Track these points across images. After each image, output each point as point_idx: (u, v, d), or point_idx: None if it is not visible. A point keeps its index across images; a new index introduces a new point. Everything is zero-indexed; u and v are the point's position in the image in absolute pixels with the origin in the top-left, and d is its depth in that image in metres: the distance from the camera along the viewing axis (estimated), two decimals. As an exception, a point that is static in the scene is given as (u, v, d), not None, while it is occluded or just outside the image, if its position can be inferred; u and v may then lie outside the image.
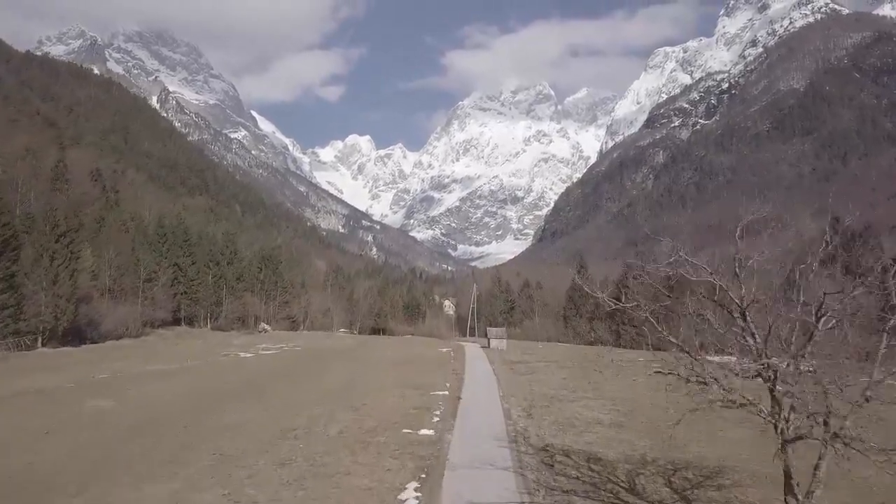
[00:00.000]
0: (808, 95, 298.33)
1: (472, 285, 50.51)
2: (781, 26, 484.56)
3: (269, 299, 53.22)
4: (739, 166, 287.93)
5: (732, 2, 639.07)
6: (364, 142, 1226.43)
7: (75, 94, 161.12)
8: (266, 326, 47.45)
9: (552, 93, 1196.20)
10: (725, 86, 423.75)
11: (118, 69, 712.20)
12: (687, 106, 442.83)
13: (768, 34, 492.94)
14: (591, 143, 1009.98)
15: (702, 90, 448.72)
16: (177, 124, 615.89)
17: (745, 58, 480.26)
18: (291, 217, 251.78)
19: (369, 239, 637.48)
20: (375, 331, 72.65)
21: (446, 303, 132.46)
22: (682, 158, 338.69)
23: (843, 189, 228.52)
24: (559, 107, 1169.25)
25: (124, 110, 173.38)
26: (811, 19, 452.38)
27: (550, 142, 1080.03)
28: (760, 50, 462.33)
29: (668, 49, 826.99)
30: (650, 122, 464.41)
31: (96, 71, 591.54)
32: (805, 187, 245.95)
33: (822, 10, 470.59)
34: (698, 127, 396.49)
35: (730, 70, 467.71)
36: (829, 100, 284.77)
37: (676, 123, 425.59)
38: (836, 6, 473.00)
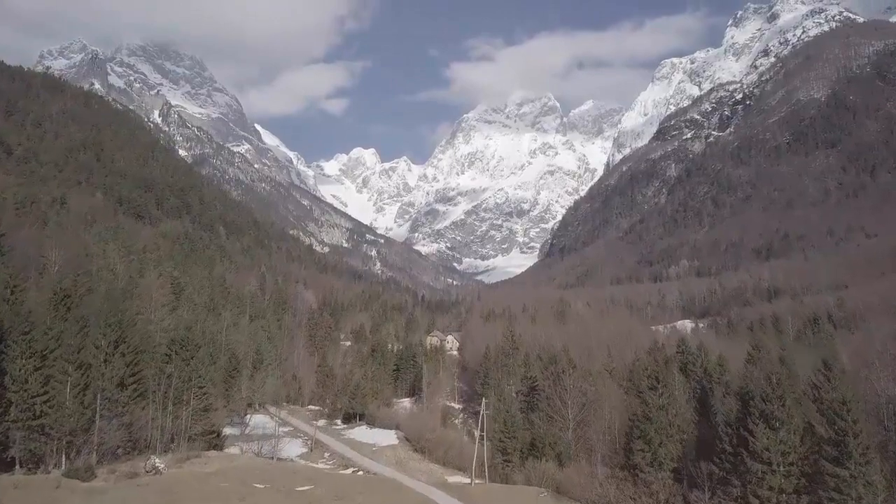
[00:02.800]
0: (830, 106, 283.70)
1: (482, 403, 35.67)
2: (794, 35, 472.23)
3: (182, 404, 37.48)
4: (759, 180, 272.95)
5: (741, 12, 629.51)
6: (369, 155, 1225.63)
7: (47, 108, 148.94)
8: (157, 463, 31.21)
9: (558, 105, 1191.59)
10: (739, 96, 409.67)
11: (120, 83, 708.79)
12: (699, 117, 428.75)
13: (780, 43, 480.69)
14: (598, 155, 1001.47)
15: (714, 101, 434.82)
16: (179, 138, 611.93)
17: (756, 67, 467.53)
18: (286, 237, 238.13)
19: (373, 253, 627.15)
20: (351, 416, 58.20)
21: (449, 339, 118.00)
22: (697, 172, 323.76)
23: (873, 205, 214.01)
24: (565, 119, 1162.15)
25: (102, 125, 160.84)
26: (825, 28, 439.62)
27: (556, 154, 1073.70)
28: (773, 59, 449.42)
29: (676, 60, 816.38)
30: (660, 134, 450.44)
31: (97, 85, 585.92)
32: (832, 203, 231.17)
33: (835, 18, 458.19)
34: (712, 139, 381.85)
35: (742, 80, 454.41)
36: (854, 110, 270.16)
37: (688, 135, 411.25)
38: (850, 14, 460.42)
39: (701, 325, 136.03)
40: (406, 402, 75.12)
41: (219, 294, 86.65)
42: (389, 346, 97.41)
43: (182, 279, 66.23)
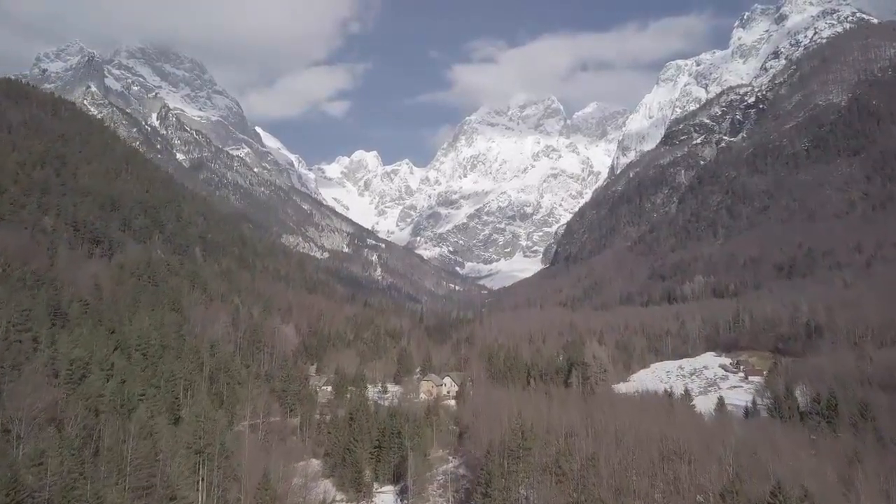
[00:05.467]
0: (851, 111, 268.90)
1: None
2: (806, 37, 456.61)
3: None
4: (777, 190, 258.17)
5: (747, 13, 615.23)
6: (370, 157, 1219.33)
7: (6, 118, 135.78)
8: None
9: (561, 107, 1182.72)
10: (751, 100, 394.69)
11: (117, 86, 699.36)
12: (708, 121, 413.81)
13: (791, 45, 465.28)
14: (602, 158, 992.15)
15: (724, 104, 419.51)
16: (177, 142, 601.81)
17: (767, 70, 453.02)
18: (276, 250, 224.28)
19: (374, 258, 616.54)
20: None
21: (447, 381, 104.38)
22: (710, 180, 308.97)
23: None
24: (568, 121, 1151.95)
25: (71, 135, 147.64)
26: (839, 29, 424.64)
27: (559, 157, 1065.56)
28: (784, 62, 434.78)
29: (681, 62, 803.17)
30: (668, 139, 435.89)
31: (93, 88, 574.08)
32: (857, 215, 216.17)
33: (849, 19, 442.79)
34: (724, 144, 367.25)
35: (752, 83, 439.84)
36: (878, 115, 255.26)
37: (698, 140, 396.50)
38: (863, 15, 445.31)
39: (728, 360, 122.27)
40: (389, 495, 61.52)
41: (173, 344, 73.11)
42: (372, 401, 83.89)
43: (93, 355, 52.15)
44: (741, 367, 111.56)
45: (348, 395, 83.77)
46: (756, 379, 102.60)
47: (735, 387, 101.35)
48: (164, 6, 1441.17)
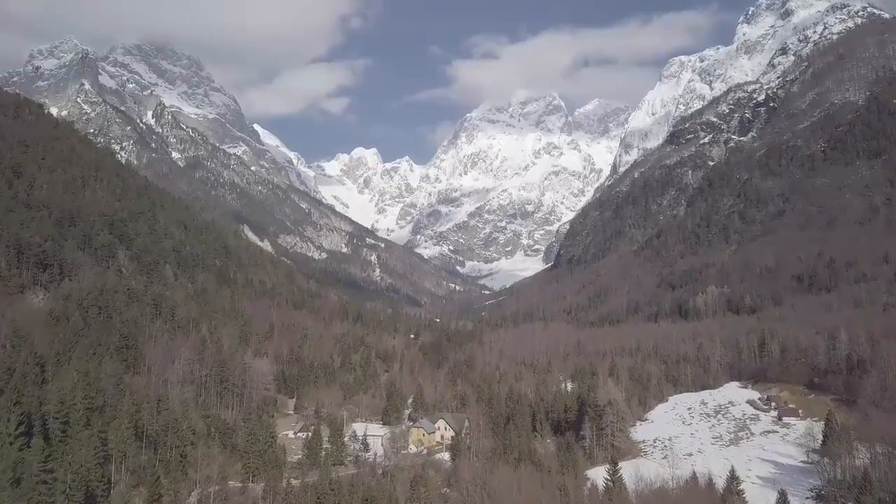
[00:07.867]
0: (870, 110, 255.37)
1: None
2: (815, 32, 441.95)
3: None
4: (792, 194, 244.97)
5: (752, 8, 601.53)
6: (370, 155, 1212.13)
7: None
8: None
9: (562, 104, 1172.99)
10: (761, 98, 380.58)
11: (111, 83, 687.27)
12: (716, 120, 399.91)
13: (800, 41, 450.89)
14: (604, 155, 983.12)
15: (731, 102, 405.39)
16: (172, 140, 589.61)
17: (774, 66, 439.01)
18: (264, 260, 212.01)
19: (373, 258, 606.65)
20: None
21: (440, 426, 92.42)
22: (720, 182, 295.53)
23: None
24: (570, 118, 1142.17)
25: (33, 140, 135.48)
26: (850, 24, 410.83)
27: (561, 154, 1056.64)
28: (793, 58, 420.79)
29: (684, 58, 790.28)
30: (674, 138, 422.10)
31: (87, 85, 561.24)
32: (881, 221, 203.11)
33: (860, 14, 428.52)
34: (733, 144, 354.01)
35: (760, 80, 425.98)
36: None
37: (705, 140, 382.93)
38: (875, 10, 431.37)
39: (755, 393, 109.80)
40: None
41: (110, 402, 61.05)
42: (353, 455, 72.01)
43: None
44: (772, 405, 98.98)
45: (323, 454, 71.73)
46: (792, 421, 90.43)
47: (769, 432, 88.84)
48: (162, 4, 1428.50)
